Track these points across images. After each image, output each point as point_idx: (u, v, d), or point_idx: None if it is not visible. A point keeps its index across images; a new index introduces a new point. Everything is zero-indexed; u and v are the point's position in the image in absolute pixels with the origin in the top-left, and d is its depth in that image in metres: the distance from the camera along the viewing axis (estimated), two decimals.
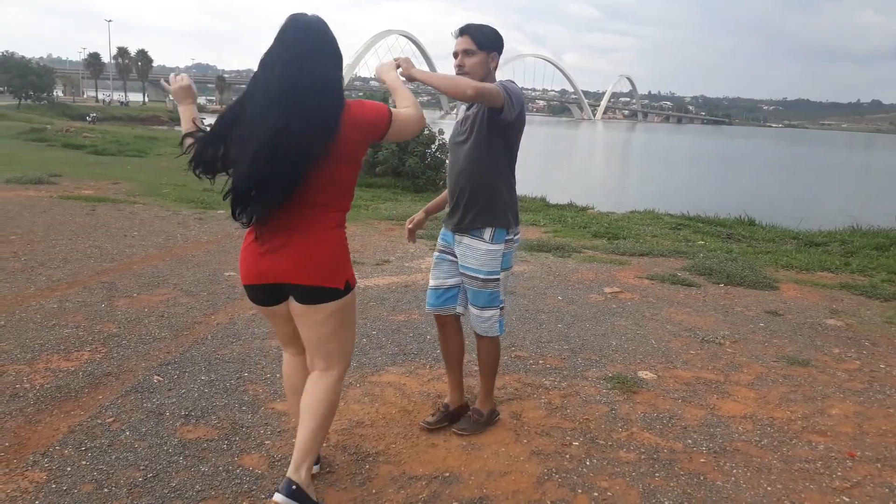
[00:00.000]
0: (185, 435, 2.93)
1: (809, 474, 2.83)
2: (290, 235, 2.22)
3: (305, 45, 2.16)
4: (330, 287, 2.27)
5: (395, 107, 2.39)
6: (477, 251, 2.85)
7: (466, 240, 2.87)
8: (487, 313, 2.94)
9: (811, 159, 71.86)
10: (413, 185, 19.60)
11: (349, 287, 2.34)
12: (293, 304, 2.33)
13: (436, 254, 3.07)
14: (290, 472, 2.27)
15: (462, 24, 2.84)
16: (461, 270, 2.93)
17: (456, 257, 2.95)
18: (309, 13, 2.23)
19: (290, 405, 2.69)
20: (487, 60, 2.77)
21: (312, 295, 2.27)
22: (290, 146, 2.08)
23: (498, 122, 2.71)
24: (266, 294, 2.34)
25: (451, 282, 3.01)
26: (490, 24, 2.81)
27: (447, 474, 2.71)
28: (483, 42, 2.75)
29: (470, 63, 2.74)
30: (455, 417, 3.11)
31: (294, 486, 2.23)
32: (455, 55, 2.78)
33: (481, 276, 2.86)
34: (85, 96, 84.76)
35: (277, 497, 2.23)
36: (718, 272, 6.36)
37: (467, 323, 3.08)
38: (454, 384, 3.18)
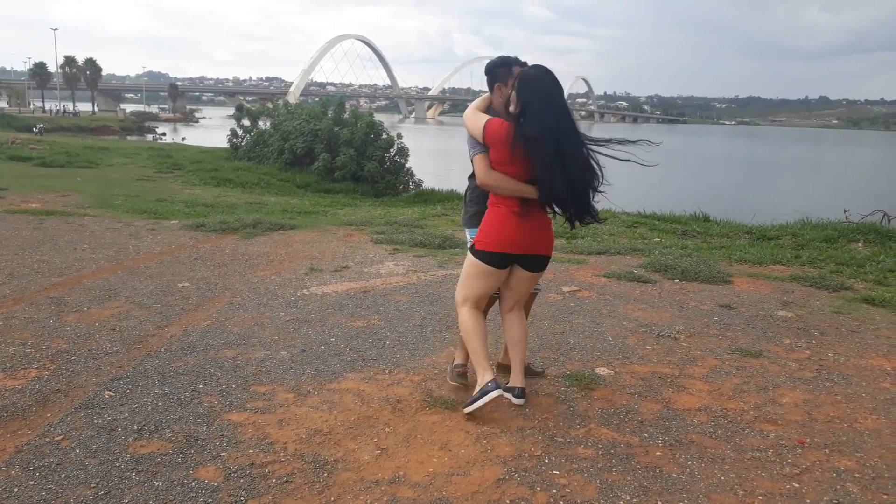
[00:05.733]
0: (138, 450, 2.86)
1: (761, 462, 2.89)
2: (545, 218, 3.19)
3: None
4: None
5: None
6: None
7: None
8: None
9: (763, 155, 73.71)
10: (372, 190, 19.54)
11: None
12: (522, 271, 3.23)
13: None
14: (515, 382, 3.27)
15: (513, 58, 3.27)
16: None
17: None
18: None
19: (478, 346, 3.24)
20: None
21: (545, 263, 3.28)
22: None
23: None
24: (510, 260, 3.19)
25: None
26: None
27: (407, 478, 2.70)
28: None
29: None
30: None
31: (524, 388, 3.29)
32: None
33: None
34: (32, 107, 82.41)
35: (517, 401, 3.25)
36: (674, 268, 6.47)
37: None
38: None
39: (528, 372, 3.58)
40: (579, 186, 3.05)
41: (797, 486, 2.71)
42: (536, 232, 3.15)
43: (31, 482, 2.60)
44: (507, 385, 3.30)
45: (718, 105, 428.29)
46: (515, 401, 3.26)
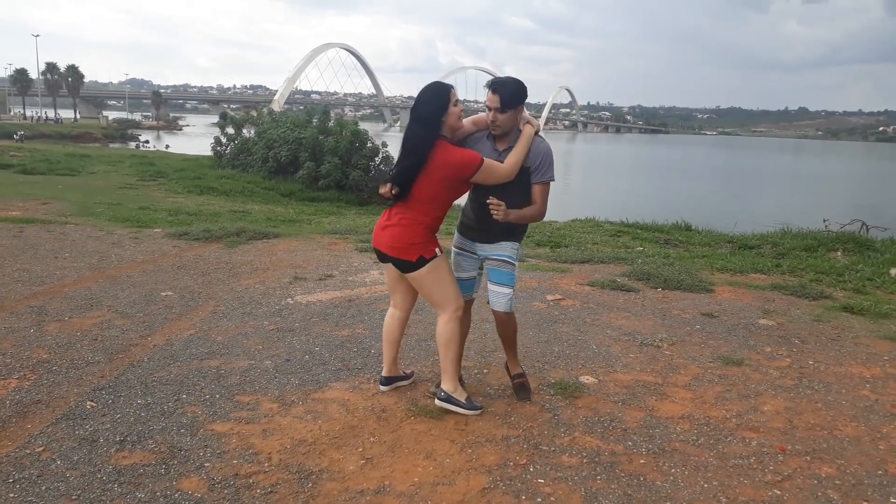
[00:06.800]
0: (120, 461, 2.84)
1: (743, 470, 2.92)
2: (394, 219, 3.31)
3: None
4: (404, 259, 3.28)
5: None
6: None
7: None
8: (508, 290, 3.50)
9: (744, 165, 74.55)
10: (357, 199, 19.48)
11: (423, 260, 3.26)
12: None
13: (455, 251, 3.64)
14: (441, 385, 3.42)
15: (494, 79, 3.29)
16: (489, 256, 3.48)
17: (474, 253, 3.56)
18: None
19: (384, 347, 3.68)
20: (515, 114, 3.27)
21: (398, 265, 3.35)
22: None
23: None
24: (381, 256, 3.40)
25: (470, 274, 3.60)
26: (515, 78, 3.28)
27: (392, 488, 2.70)
28: (509, 101, 3.22)
29: (501, 119, 3.25)
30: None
31: (443, 392, 3.41)
32: (488, 108, 3.25)
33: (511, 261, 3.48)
34: (12, 113, 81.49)
35: (437, 402, 3.41)
36: (656, 277, 6.52)
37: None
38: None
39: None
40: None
41: (779, 493, 2.74)
42: (381, 231, 3.35)
43: (12, 494, 2.57)
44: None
45: (700, 115, 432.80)
46: (437, 402, 3.45)
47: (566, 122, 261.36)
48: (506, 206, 3.18)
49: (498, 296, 3.50)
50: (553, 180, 3.41)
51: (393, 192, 3.23)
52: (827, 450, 3.13)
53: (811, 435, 3.29)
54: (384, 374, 3.68)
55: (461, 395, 3.43)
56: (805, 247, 9.02)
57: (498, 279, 3.49)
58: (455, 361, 3.42)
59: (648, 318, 5.24)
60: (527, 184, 3.34)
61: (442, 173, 3.16)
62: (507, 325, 3.59)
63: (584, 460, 2.96)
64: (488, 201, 3.17)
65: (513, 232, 3.47)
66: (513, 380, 3.70)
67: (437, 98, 3.19)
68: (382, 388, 3.66)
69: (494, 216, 3.18)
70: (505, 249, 3.47)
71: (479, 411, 3.42)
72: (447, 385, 3.41)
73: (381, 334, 4.57)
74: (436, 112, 3.16)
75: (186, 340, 4.35)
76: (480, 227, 3.45)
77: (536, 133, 3.36)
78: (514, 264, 3.50)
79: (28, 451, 2.89)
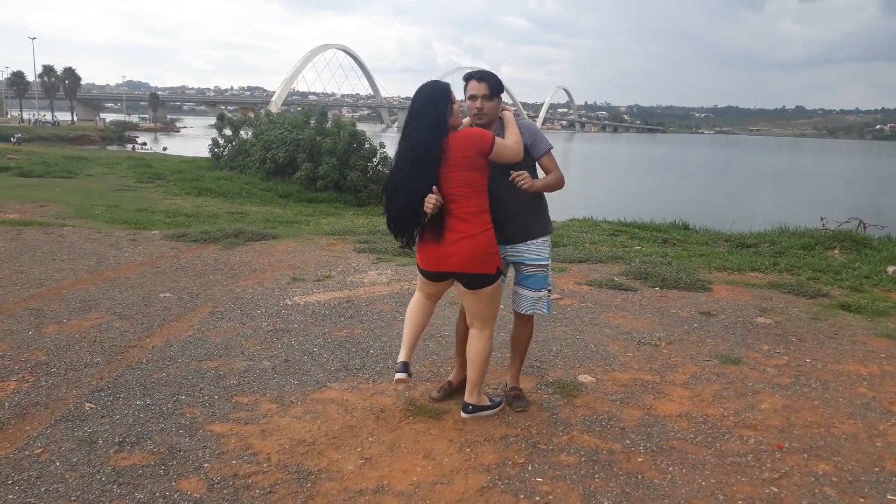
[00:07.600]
0: (120, 462, 2.84)
1: (741, 467, 2.93)
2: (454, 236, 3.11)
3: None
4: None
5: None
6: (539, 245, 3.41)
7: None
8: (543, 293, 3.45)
9: (742, 164, 74.66)
10: (355, 199, 19.49)
11: (499, 272, 3.20)
12: (460, 286, 3.25)
13: None
14: (465, 398, 3.33)
15: (475, 69, 3.38)
16: (524, 262, 3.40)
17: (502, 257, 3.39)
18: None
19: (406, 330, 3.36)
20: (498, 102, 3.30)
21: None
22: None
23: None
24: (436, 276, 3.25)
25: None
26: (491, 71, 3.34)
27: (391, 487, 2.71)
28: (496, 89, 3.27)
29: (488, 107, 3.25)
30: (456, 393, 3.55)
31: (470, 406, 3.32)
32: (473, 98, 3.25)
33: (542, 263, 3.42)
34: (9, 116, 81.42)
35: (463, 415, 3.32)
36: (654, 276, 6.53)
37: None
38: (462, 363, 3.57)
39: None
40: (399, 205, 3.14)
41: (776, 490, 2.75)
42: (443, 248, 3.11)
43: (11, 496, 2.58)
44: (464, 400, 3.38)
45: (697, 114, 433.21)
46: (463, 415, 3.34)
47: (564, 122, 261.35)
48: (528, 175, 3.14)
49: (528, 300, 3.44)
50: (553, 147, 3.40)
51: (439, 200, 3.02)
52: (824, 447, 3.15)
53: (808, 432, 3.30)
54: (404, 359, 3.28)
55: (484, 401, 3.40)
56: (802, 245, 9.02)
57: (531, 284, 3.42)
58: (483, 377, 3.35)
59: (646, 317, 5.25)
60: (531, 162, 3.32)
61: (461, 154, 3.04)
62: (527, 328, 3.56)
63: (583, 459, 2.97)
64: (511, 177, 3.10)
65: (537, 218, 3.38)
66: (509, 391, 3.57)
67: (439, 101, 3.08)
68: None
69: (522, 186, 3.11)
70: (539, 251, 3.39)
71: (502, 402, 3.45)
72: (472, 398, 3.33)
73: (378, 334, 4.59)
74: (441, 115, 3.06)
75: (185, 342, 4.36)
76: (502, 222, 3.27)
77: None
78: (548, 264, 3.44)
79: (27, 453, 2.89)
